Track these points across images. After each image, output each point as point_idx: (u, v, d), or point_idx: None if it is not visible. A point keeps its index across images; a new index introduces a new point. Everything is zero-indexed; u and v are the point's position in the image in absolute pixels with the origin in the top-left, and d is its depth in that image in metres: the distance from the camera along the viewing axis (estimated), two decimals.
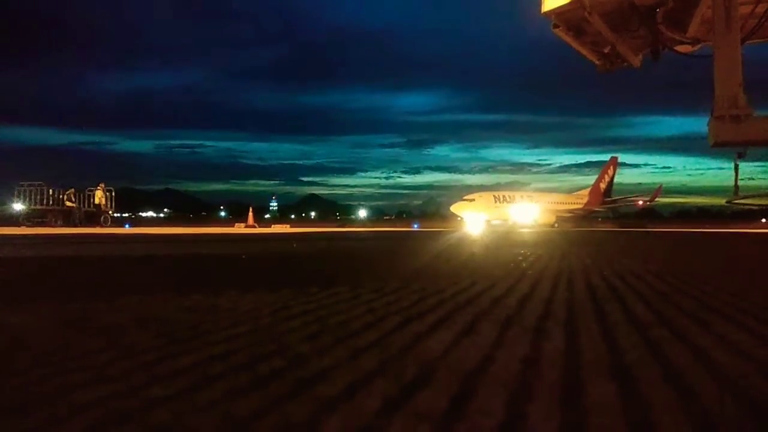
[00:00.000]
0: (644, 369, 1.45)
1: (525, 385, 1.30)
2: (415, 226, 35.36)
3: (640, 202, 43.85)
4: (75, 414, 1.09)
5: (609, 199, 44.27)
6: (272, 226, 31.61)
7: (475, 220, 35.17)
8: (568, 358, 1.56)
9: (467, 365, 1.48)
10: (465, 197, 38.93)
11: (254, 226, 27.51)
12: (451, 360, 1.54)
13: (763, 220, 42.10)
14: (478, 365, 1.49)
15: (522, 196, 39.78)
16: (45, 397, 1.19)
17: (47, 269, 4.74)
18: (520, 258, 5.10)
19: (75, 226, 25.42)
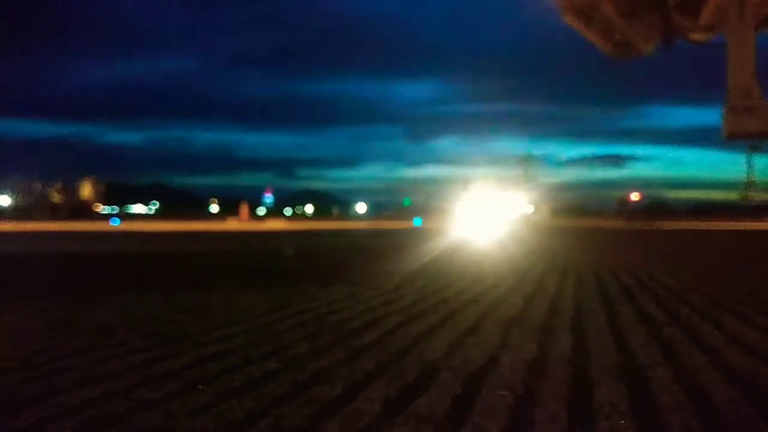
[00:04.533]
0: None
1: None
2: (417, 222, 34.94)
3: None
4: (62, 416, 1.06)
5: None
6: (267, 222, 31.30)
7: (488, 214, 31.18)
8: None
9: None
10: (475, 184, 34.71)
11: (247, 222, 27.26)
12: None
13: None
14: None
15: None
16: (33, 398, 1.17)
17: (35, 266, 4.66)
18: None
19: (62, 220, 25.18)
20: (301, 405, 1.12)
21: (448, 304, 2.44)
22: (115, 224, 24.21)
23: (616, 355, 1.58)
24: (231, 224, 25.52)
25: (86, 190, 28.97)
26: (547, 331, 1.88)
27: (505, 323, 2.02)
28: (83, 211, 28.22)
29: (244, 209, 29.34)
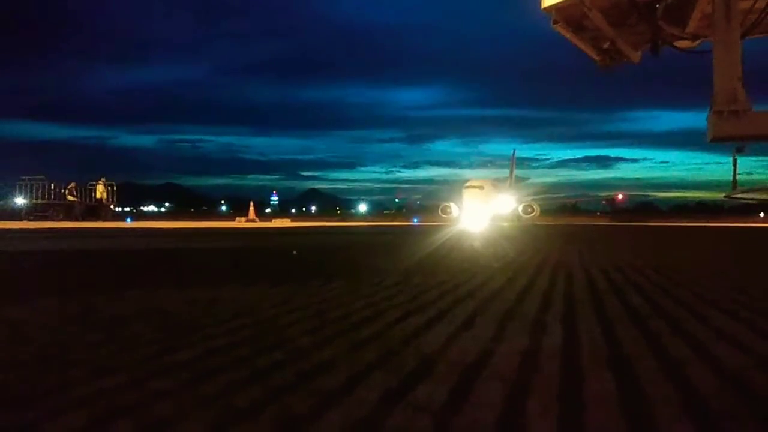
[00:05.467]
0: None
1: None
2: (415, 220, 35.18)
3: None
4: (76, 407, 1.09)
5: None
6: (273, 220, 31.71)
7: (481, 213, 27.54)
8: None
9: None
10: (470, 183, 31.51)
11: (255, 221, 27.57)
12: None
13: (761, 215, 42.06)
14: None
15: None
16: (47, 390, 1.19)
17: (49, 263, 4.75)
18: None
19: (76, 220, 25.44)
20: (305, 394, 1.17)
21: (445, 298, 2.49)
22: (129, 222, 24.44)
23: (605, 347, 1.62)
24: (239, 222, 25.72)
25: (100, 190, 29.22)
26: (539, 324, 1.92)
27: (500, 317, 2.06)
28: (97, 210, 28.48)
29: (252, 208, 29.60)
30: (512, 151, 43.50)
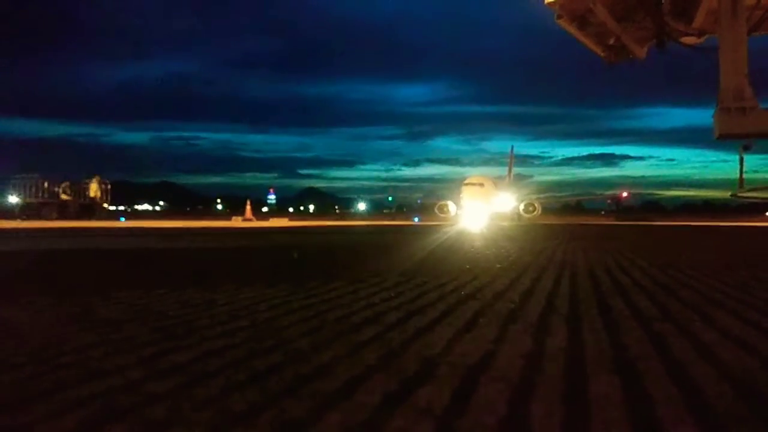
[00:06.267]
0: None
1: None
2: (416, 219, 35.15)
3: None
4: (70, 409, 1.07)
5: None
6: (270, 219, 31.68)
7: (481, 211, 27.08)
8: None
9: None
10: (469, 181, 30.72)
11: (252, 220, 27.51)
12: None
13: None
14: None
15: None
16: (41, 393, 1.17)
17: (42, 263, 4.71)
18: None
19: (70, 218, 25.35)
20: (304, 398, 1.15)
21: (446, 299, 2.46)
22: (122, 221, 24.38)
23: (610, 348, 1.60)
24: (235, 222, 25.63)
25: (94, 188, 29.14)
26: (542, 326, 1.90)
27: (503, 318, 2.04)
28: (91, 209, 28.41)
29: (249, 207, 29.53)
30: (510, 148, 43.07)
